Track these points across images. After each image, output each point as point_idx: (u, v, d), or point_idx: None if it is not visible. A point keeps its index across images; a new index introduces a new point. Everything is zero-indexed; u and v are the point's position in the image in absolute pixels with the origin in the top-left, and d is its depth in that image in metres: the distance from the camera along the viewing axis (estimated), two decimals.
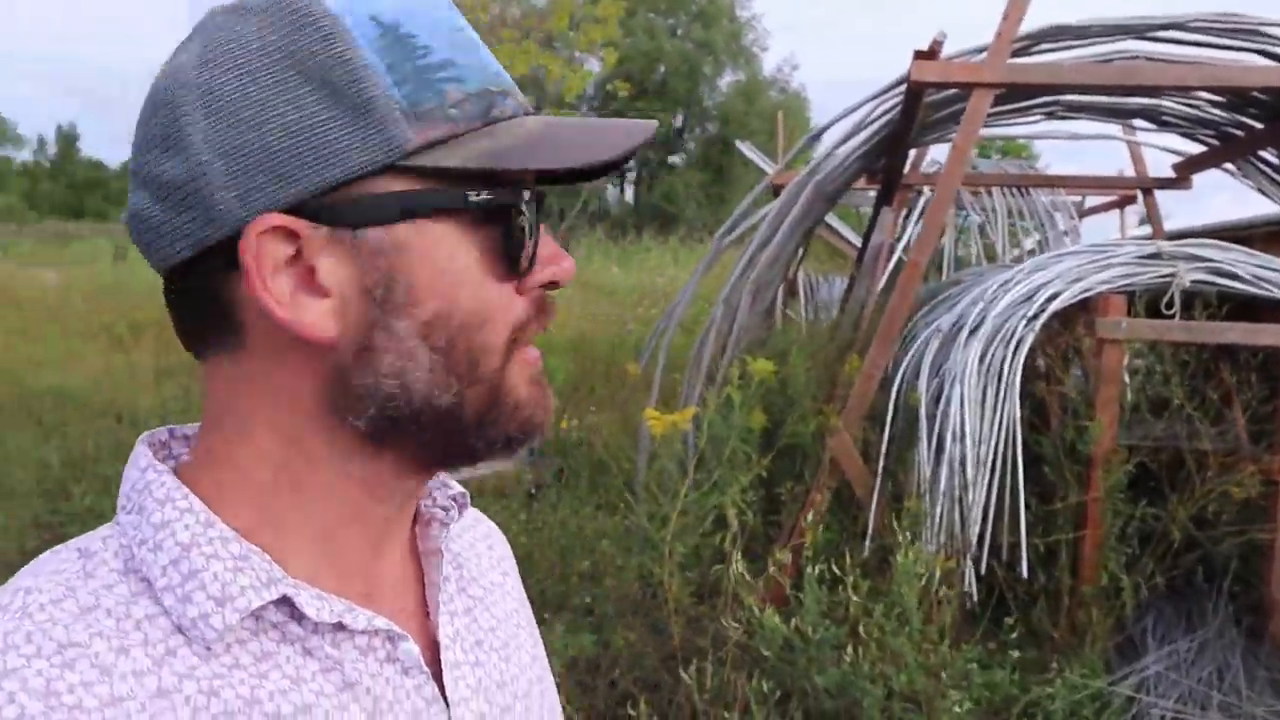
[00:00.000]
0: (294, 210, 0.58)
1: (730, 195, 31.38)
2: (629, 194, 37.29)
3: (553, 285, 0.66)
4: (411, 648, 0.65)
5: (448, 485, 0.76)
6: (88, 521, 5.13)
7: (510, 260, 0.62)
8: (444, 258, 0.60)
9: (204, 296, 0.61)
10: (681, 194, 32.59)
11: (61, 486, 6.11)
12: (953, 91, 4.78)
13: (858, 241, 9.39)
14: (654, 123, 0.65)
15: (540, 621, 4.02)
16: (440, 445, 0.64)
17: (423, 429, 0.62)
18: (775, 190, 6.31)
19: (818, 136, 5.26)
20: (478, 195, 0.60)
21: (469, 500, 0.77)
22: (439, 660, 0.69)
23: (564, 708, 3.42)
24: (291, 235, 0.58)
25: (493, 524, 0.89)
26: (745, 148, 10.40)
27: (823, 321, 8.08)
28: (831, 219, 9.94)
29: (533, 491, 5.59)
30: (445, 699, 0.67)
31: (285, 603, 0.60)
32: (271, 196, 0.57)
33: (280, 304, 0.58)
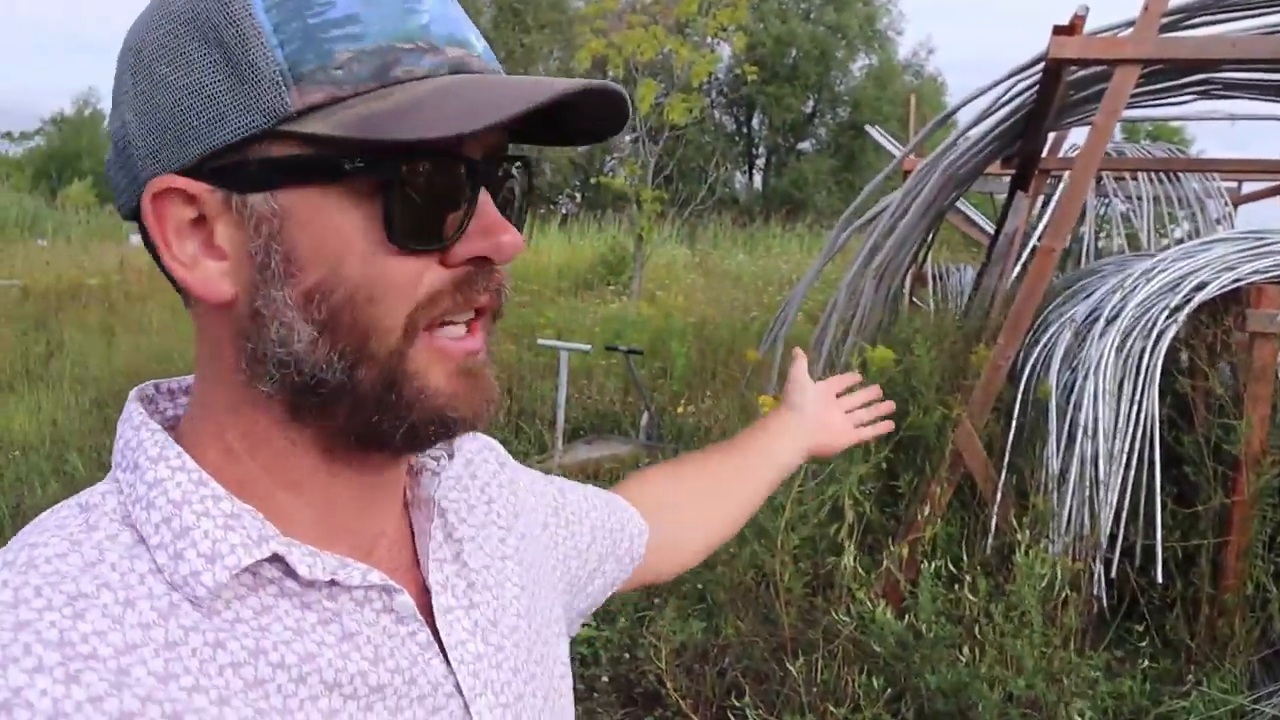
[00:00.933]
0: (194, 172, 0.58)
1: (861, 182, 30.62)
2: (757, 180, 36.98)
3: (484, 261, 0.61)
4: (407, 600, 0.65)
5: None
6: None
7: (406, 232, 0.58)
8: (326, 227, 0.58)
9: (153, 250, 0.62)
10: (810, 180, 32.09)
11: None
12: (1096, 70, 4.54)
13: (988, 228, 9.08)
14: (584, 81, 0.57)
15: (649, 606, 4.02)
16: (350, 424, 0.61)
17: (326, 404, 0.60)
18: (905, 174, 6.14)
19: (949, 117, 5.07)
20: (353, 163, 0.56)
21: (453, 447, 0.76)
22: (433, 608, 0.70)
23: (670, 695, 3.41)
24: (191, 198, 0.59)
25: (481, 443, 0.87)
26: (875, 132, 10.15)
27: (952, 310, 7.83)
28: (964, 205, 9.62)
29: None
30: (441, 644, 0.68)
31: (279, 560, 0.61)
32: (174, 158, 0.58)
33: (181, 264, 0.59)
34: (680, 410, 6.14)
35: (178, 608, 0.57)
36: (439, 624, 0.69)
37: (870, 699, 3.12)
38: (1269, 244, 3.97)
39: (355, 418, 0.61)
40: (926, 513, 3.68)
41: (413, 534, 0.73)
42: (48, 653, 0.52)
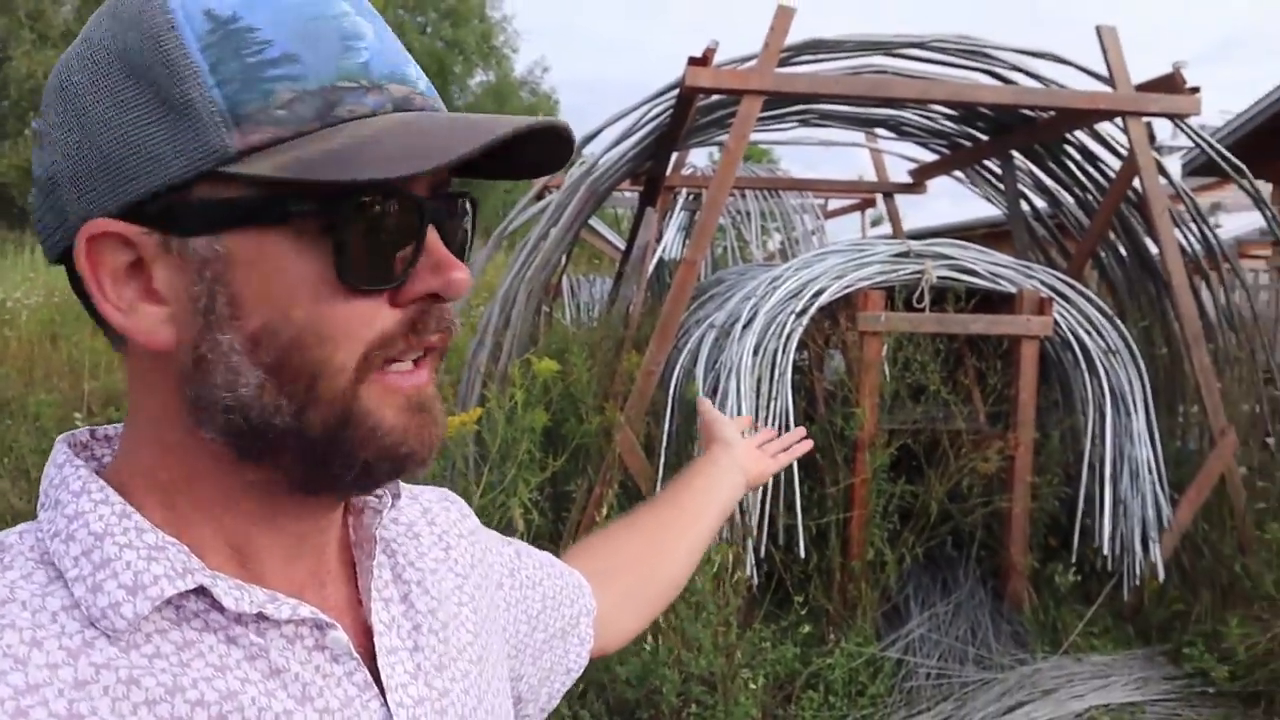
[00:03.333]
0: (129, 215, 0.57)
1: (480, 198, 31.11)
2: None
3: (434, 299, 0.61)
4: (340, 636, 0.63)
5: None
6: None
7: (356, 273, 0.57)
8: (272, 270, 0.57)
9: (83, 295, 0.59)
10: None
11: None
12: (718, 98, 4.98)
13: (617, 241, 9.59)
14: (532, 120, 0.58)
15: None
16: (299, 469, 0.60)
17: (275, 450, 0.59)
18: (539, 193, 6.37)
19: (590, 140, 5.34)
20: (298, 205, 0.56)
21: (399, 487, 0.75)
22: (375, 649, 0.68)
23: None
24: (128, 242, 0.57)
25: (438, 494, 0.86)
26: None
27: (588, 322, 8.20)
28: (593, 220, 10.10)
29: None
30: (380, 685, 0.66)
31: (205, 593, 0.59)
32: (107, 201, 0.56)
33: (118, 309, 0.58)
34: None
35: (90, 645, 0.55)
36: (380, 664, 0.66)
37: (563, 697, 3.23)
38: (869, 255, 4.58)
39: (303, 460, 0.60)
40: (603, 514, 3.86)
41: (355, 574, 0.71)
42: None
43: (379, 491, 0.72)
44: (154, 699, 0.55)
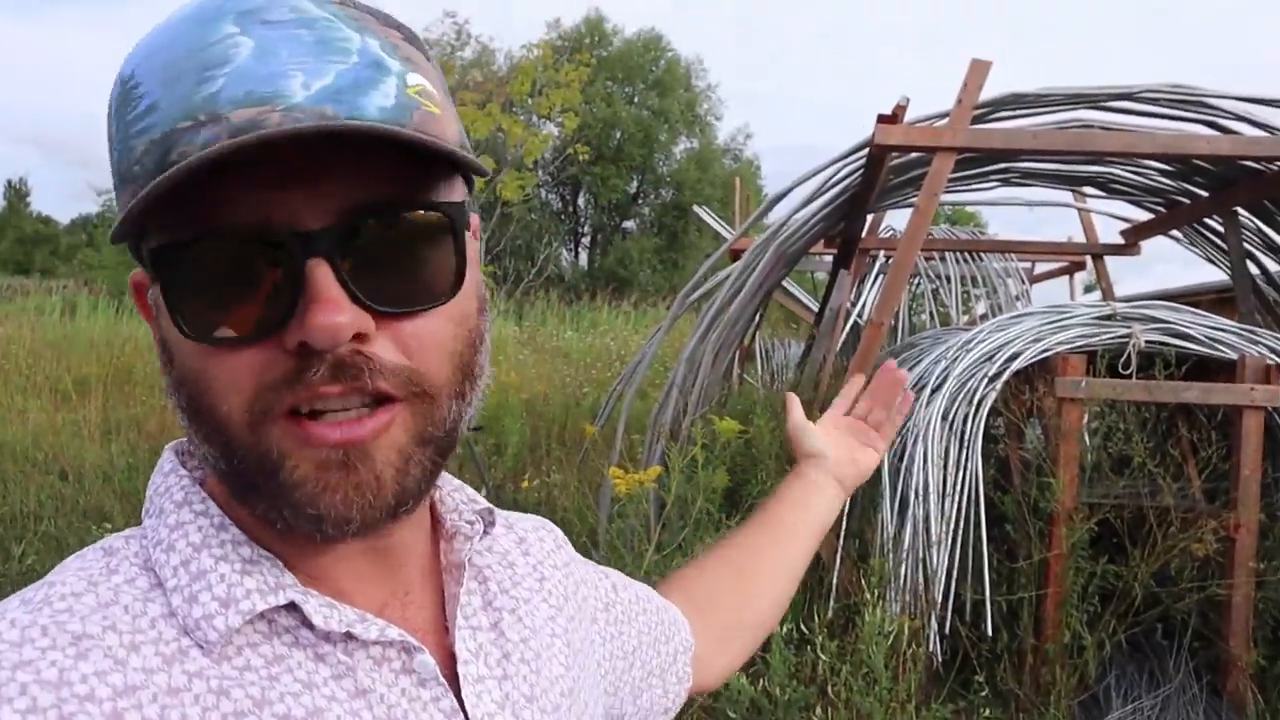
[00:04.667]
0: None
1: (683, 261, 31.67)
2: (583, 258, 37.52)
3: (306, 349, 0.54)
4: (427, 660, 0.63)
5: (474, 501, 0.74)
6: (29, 583, 4.94)
7: (189, 324, 0.54)
8: (166, 321, 0.57)
9: None
10: (635, 259, 32.82)
11: (0, 545, 5.90)
12: (912, 156, 4.88)
13: (811, 305, 9.49)
14: (308, 125, 0.51)
15: None
16: (257, 512, 0.59)
17: (231, 488, 0.59)
18: (733, 255, 6.38)
19: (781, 198, 5.33)
20: (137, 258, 0.58)
21: (495, 516, 0.75)
22: (459, 675, 0.67)
23: None
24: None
25: (535, 522, 0.85)
26: (703, 212, 10.53)
27: (780, 384, 8.12)
28: (786, 283, 10.05)
29: None
30: (466, 713, 0.65)
31: (295, 609, 0.59)
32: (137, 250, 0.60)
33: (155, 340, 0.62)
34: (525, 485, 6.10)
35: (186, 653, 0.56)
36: (464, 692, 0.65)
37: None
38: (1070, 317, 4.34)
39: (249, 503, 0.59)
40: None
41: (444, 598, 0.71)
42: (43, 693, 0.51)
43: (470, 518, 0.72)
44: (242, 711, 0.56)
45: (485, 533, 0.73)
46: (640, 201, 36.48)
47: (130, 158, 0.54)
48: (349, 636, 0.60)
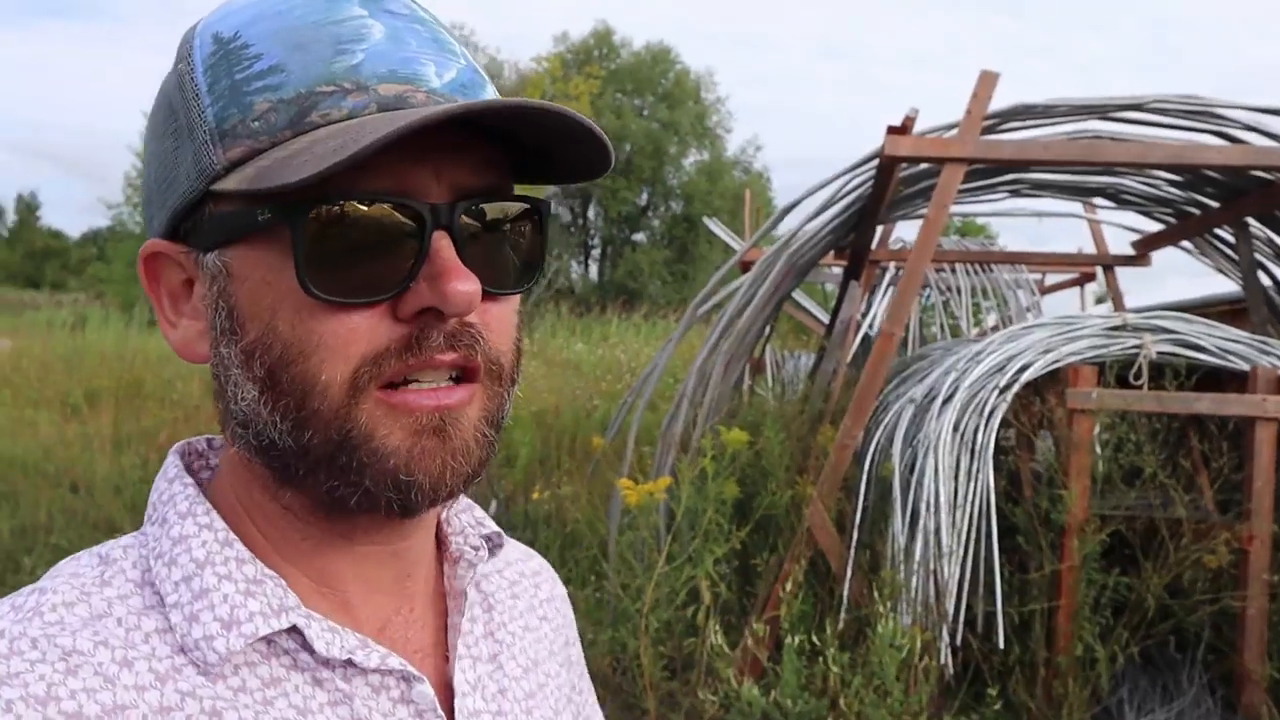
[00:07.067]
0: (171, 234, 0.60)
1: (693, 273, 31.69)
2: (593, 271, 37.58)
3: (436, 314, 0.56)
4: (426, 690, 0.62)
5: (482, 524, 0.73)
6: None
7: (321, 285, 0.54)
8: (260, 283, 0.56)
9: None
10: (645, 271, 32.86)
11: (10, 557, 5.92)
12: (922, 168, 4.88)
13: (822, 316, 9.48)
14: (511, 100, 0.53)
15: None
16: (314, 491, 0.58)
17: (287, 467, 0.57)
18: (744, 267, 6.38)
19: (791, 209, 5.34)
20: (264, 216, 0.55)
21: (503, 540, 0.74)
22: (455, 707, 0.66)
23: None
24: (177, 261, 0.60)
25: (545, 563, 0.84)
26: (713, 224, 10.54)
27: (790, 396, 8.11)
28: (797, 294, 10.04)
29: None
30: None
31: (297, 632, 0.58)
32: (156, 222, 0.61)
33: (168, 323, 0.62)
34: (536, 496, 6.10)
35: (179, 671, 0.55)
36: None
37: None
38: (1080, 328, 4.33)
39: (310, 482, 0.57)
40: (788, 589, 3.76)
41: (444, 624, 0.69)
42: (29, 710, 0.50)
43: (475, 543, 0.71)
44: None
45: (489, 557, 0.72)
46: (650, 214, 36.54)
47: (243, 113, 0.55)
48: (349, 663, 0.59)
